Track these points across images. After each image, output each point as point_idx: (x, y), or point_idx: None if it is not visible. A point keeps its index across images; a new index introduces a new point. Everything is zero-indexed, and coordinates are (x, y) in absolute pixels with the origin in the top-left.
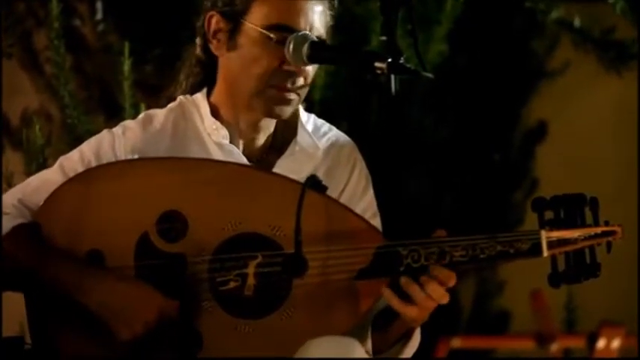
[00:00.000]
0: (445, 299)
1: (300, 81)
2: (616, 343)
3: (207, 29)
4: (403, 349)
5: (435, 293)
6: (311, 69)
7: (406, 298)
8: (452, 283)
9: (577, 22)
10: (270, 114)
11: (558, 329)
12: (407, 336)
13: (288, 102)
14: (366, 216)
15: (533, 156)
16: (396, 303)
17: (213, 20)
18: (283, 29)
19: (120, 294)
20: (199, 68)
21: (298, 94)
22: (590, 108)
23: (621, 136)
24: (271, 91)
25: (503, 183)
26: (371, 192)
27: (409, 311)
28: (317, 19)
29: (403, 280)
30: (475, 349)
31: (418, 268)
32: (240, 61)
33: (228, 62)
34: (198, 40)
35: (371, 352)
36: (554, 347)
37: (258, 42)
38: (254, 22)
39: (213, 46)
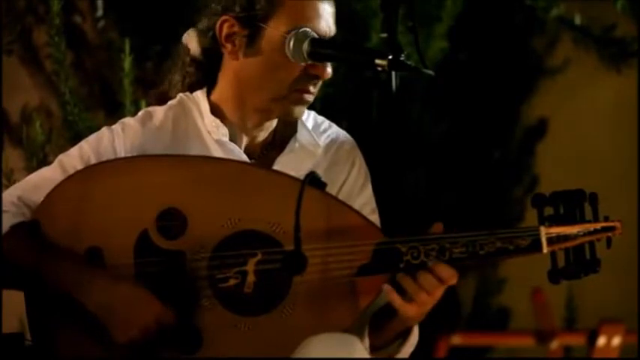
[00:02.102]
0: (439, 293)
1: (319, 81)
2: (616, 341)
3: (218, 33)
4: (400, 348)
5: (429, 286)
6: (330, 70)
7: (405, 295)
8: (452, 280)
9: (577, 20)
10: (287, 116)
11: (558, 327)
12: (404, 335)
13: (307, 103)
14: (365, 212)
15: (534, 153)
16: (395, 299)
17: (226, 25)
18: None
19: (118, 297)
20: (194, 68)
21: (314, 94)
22: (590, 105)
23: (621, 132)
24: (295, 94)
25: (503, 180)
26: (369, 189)
27: (408, 309)
28: (332, 20)
29: (399, 275)
30: (475, 346)
31: (419, 265)
32: (262, 66)
33: (243, 66)
34: (193, 40)
35: (368, 350)
36: (555, 345)
37: (283, 48)
38: (277, 28)
39: (226, 50)
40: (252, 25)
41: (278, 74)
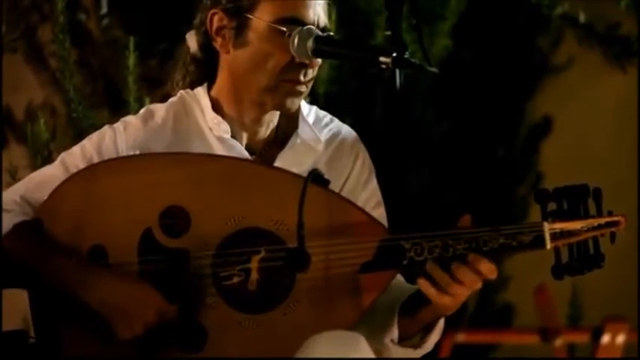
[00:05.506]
0: (477, 286)
1: (311, 73)
2: (620, 339)
3: (209, 27)
4: (427, 337)
5: (469, 280)
6: (320, 60)
7: (438, 287)
8: (492, 275)
9: (581, 18)
10: (280, 107)
11: (563, 324)
12: (429, 328)
13: (299, 94)
14: (370, 205)
15: (538, 151)
16: (432, 293)
17: (216, 18)
18: (294, 22)
19: (120, 293)
20: (195, 66)
21: (307, 86)
22: (594, 103)
23: (625, 130)
24: (284, 85)
25: (507, 178)
26: (374, 182)
27: (444, 300)
28: (322, 11)
29: (429, 265)
30: (479, 344)
31: (422, 262)
32: (250, 57)
33: (234, 59)
34: (193, 38)
35: (397, 340)
36: (559, 342)
37: (269, 37)
38: (263, 18)
39: (217, 44)
40: (239, 17)
41: (266, 65)
